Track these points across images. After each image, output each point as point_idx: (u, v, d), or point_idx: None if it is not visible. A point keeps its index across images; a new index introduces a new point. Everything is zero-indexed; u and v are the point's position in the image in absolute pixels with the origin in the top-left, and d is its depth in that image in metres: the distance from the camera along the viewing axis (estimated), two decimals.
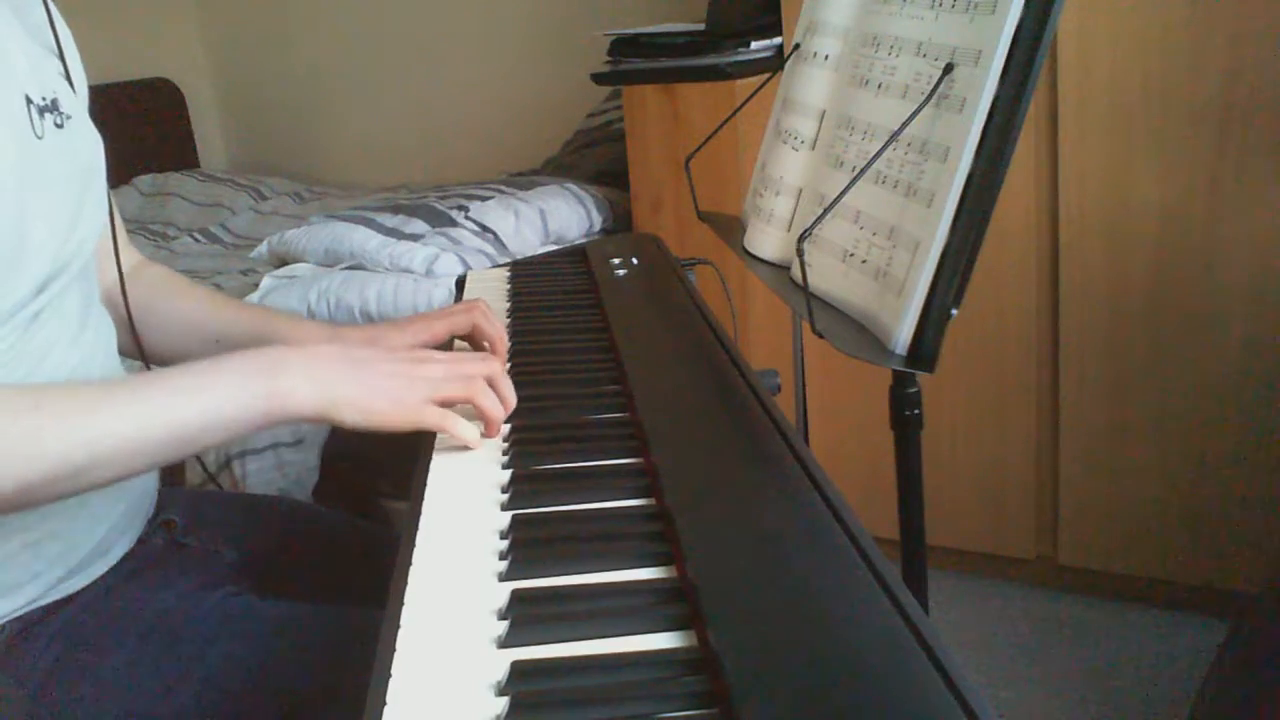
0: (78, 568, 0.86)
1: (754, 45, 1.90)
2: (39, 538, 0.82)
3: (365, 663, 0.52)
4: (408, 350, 0.85)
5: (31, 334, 0.81)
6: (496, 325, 0.96)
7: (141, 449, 0.73)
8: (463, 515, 0.68)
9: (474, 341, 0.97)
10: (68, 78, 0.91)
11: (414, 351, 0.83)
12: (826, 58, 0.97)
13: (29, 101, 0.81)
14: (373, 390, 0.76)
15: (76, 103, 0.90)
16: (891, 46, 0.85)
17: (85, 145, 0.90)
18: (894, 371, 0.84)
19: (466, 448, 0.78)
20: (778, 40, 1.94)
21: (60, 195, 0.84)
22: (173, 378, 0.76)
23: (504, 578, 0.60)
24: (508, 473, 0.73)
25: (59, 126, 0.85)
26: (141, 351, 1.01)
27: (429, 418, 0.77)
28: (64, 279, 0.84)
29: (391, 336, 0.96)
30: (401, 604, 0.57)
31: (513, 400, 0.81)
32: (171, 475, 1.24)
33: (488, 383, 0.80)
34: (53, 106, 0.84)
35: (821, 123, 0.96)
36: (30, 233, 0.79)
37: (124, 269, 0.98)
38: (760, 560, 0.57)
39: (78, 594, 0.86)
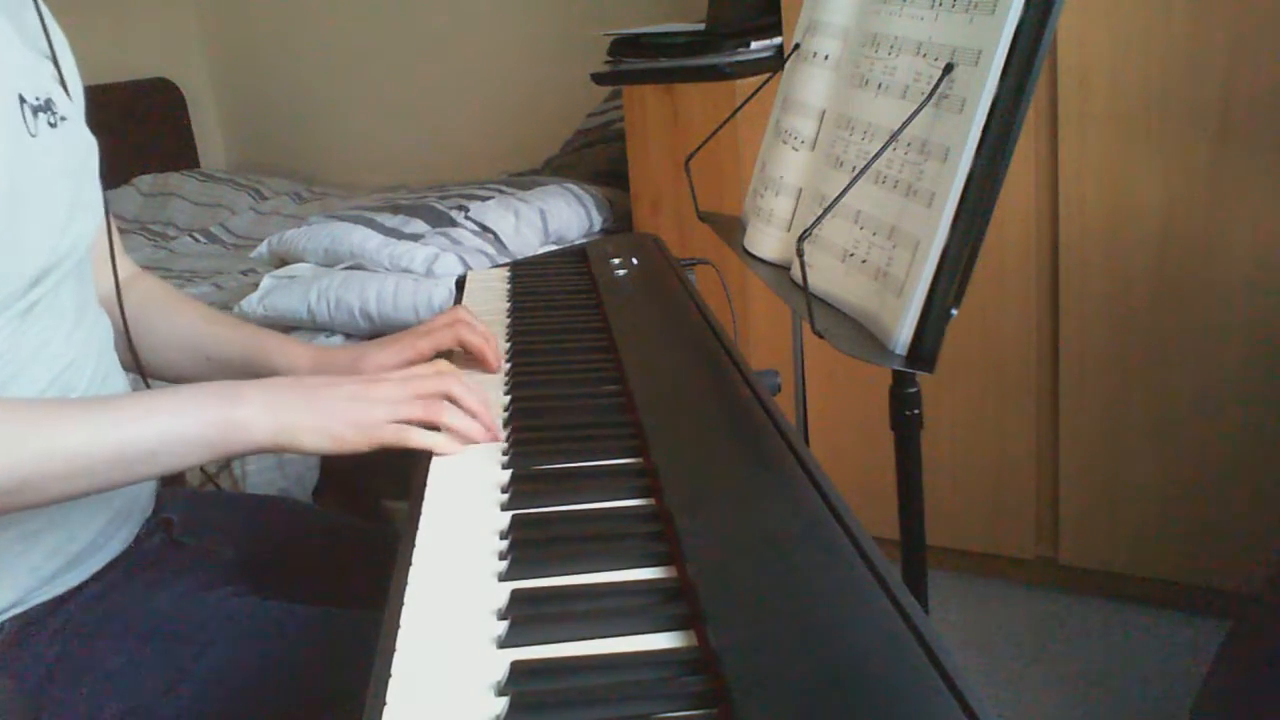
0: (74, 562, 0.86)
1: (754, 45, 1.90)
2: (35, 529, 0.83)
3: (365, 663, 0.52)
4: (389, 370, 0.86)
5: (25, 328, 0.82)
6: (480, 332, 0.96)
7: (88, 468, 0.73)
8: (463, 515, 0.68)
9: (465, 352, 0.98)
10: (62, 83, 0.91)
11: (369, 375, 0.84)
12: (826, 58, 0.97)
13: (22, 100, 0.82)
14: (330, 415, 0.77)
15: (72, 107, 0.91)
16: (891, 46, 0.85)
17: (79, 146, 0.91)
18: (894, 371, 0.84)
19: (428, 450, 0.78)
20: (778, 40, 1.94)
21: (54, 192, 0.84)
22: (127, 401, 0.77)
23: (504, 578, 0.60)
24: (508, 473, 0.73)
25: (53, 126, 0.85)
26: (138, 363, 1.01)
27: (387, 435, 0.77)
28: (57, 275, 0.85)
29: (375, 356, 0.96)
30: (401, 604, 0.57)
31: (484, 411, 0.80)
32: (171, 475, 1.24)
33: (450, 399, 0.80)
34: (46, 106, 0.85)
35: (821, 123, 0.96)
36: (23, 228, 0.79)
37: (119, 278, 0.99)
38: (760, 560, 0.57)
39: (77, 592, 0.86)
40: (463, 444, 0.78)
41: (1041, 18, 0.70)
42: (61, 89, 0.90)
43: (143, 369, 1.02)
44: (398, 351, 0.97)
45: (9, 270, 0.79)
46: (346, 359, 0.98)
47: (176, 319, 1.05)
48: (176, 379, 1.04)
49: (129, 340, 1.00)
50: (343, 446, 0.77)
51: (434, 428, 0.79)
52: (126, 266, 1.04)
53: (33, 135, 0.82)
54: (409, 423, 0.78)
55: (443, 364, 0.87)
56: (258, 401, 0.76)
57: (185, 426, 0.75)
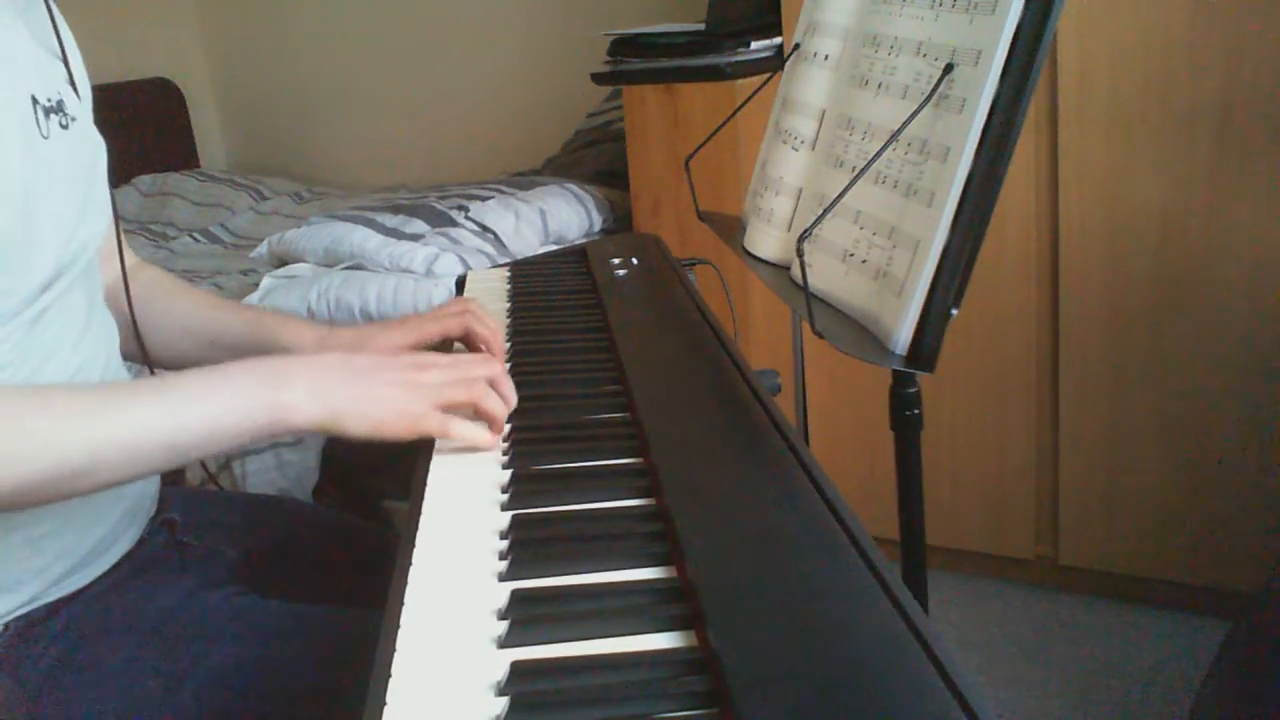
0: (80, 564, 0.86)
1: (754, 45, 1.90)
2: (41, 533, 0.82)
3: (365, 663, 0.52)
4: (403, 353, 0.85)
5: (36, 333, 0.82)
6: (489, 324, 0.96)
7: (139, 454, 0.72)
8: (463, 515, 0.68)
9: (468, 343, 0.97)
10: (72, 83, 0.91)
11: (416, 357, 0.83)
12: (826, 58, 0.97)
13: (35, 102, 0.82)
14: (376, 401, 0.76)
15: (81, 107, 0.91)
16: (891, 46, 0.85)
17: (89, 147, 0.91)
18: (894, 371, 0.84)
19: (470, 448, 0.78)
20: (778, 40, 1.94)
21: (65, 195, 0.84)
22: (174, 385, 0.76)
23: (504, 578, 0.60)
24: (508, 473, 0.73)
25: (64, 128, 0.85)
26: (145, 353, 1.01)
27: (431, 425, 0.77)
28: (68, 278, 0.85)
29: (381, 337, 0.96)
30: (401, 604, 0.57)
31: (513, 399, 0.81)
32: (172, 475, 1.24)
33: (489, 384, 0.80)
34: (58, 108, 0.85)
35: (821, 123, 0.96)
36: (36, 231, 0.79)
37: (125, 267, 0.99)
38: (760, 560, 0.57)
39: (80, 593, 0.86)
40: (498, 437, 0.78)
41: (1041, 18, 0.70)
42: (71, 89, 0.90)
43: (149, 358, 1.02)
44: (405, 333, 0.96)
45: (22, 275, 0.78)
46: (353, 337, 0.98)
47: (180, 306, 1.05)
48: (182, 367, 1.03)
49: (136, 330, 1.00)
50: (386, 433, 0.76)
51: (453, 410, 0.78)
52: (129, 258, 1.04)
53: (45, 137, 0.82)
54: (452, 406, 0.78)
55: (487, 355, 0.87)
56: (304, 385, 0.75)
57: (233, 410, 0.74)
